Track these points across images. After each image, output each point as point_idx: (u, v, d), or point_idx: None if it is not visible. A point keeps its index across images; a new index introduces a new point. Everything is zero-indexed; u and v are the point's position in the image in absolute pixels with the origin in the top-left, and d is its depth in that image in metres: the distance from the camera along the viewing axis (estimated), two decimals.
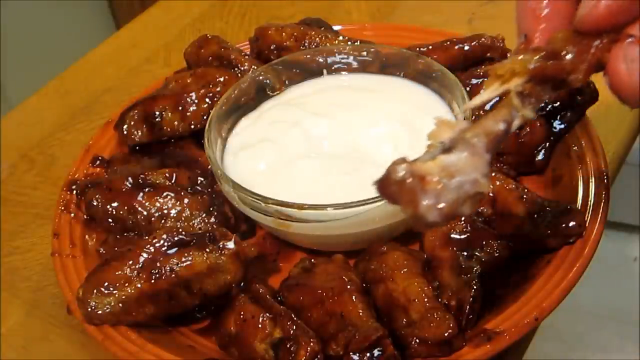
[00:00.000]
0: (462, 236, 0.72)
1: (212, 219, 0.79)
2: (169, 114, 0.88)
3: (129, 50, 1.23)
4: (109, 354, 0.70)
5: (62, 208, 0.83)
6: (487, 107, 0.58)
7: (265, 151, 0.82)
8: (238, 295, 0.70)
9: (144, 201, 0.79)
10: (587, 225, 0.71)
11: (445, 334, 0.63)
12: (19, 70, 2.06)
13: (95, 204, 0.81)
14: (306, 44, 0.95)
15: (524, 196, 0.73)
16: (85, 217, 0.83)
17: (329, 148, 0.81)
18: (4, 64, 2.06)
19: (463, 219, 0.73)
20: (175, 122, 0.88)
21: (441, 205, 0.49)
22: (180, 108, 0.88)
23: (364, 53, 0.91)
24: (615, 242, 2.09)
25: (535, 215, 0.71)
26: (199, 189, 0.81)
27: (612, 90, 0.53)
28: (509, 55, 0.54)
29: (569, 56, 0.52)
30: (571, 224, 0.70)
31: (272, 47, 0.97)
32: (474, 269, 0.69)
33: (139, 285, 0.69)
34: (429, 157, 0.51)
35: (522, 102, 0.52)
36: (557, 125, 0.82)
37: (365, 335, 0.62)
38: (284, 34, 0.96)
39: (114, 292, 0.69)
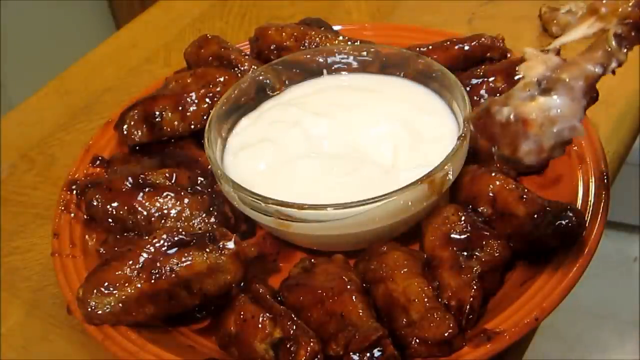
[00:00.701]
0: (462, 236, 0.72)
1: (212, 219, 0.79)
2: (169, 114, 0.88)
3: (129, 50, 1.23)
4: (109, 354, 0.70)
5: (62, 208, 0.83)
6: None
7: (265, 151, 0.82)
8: (238, 295, 0.70)
9: (144, 201, 0.79)
10: (587, 225, 0.71)
11: (445, 334, 0.63)
12: (19, 70, 2.06)
13: (95, 204, 0.81)
14: (306, 44, 0.95)
15: (524, 196, 0.73)
16: (85, 217, 0.83)
17: (329, 148, 0.81)
18: (4, 64, 2.05)
19: (463, 219, 0.73)
20: (175, 122, 0.88)
21: (540, 151, 0.50)
22: (180, 108, 0.88)
23: (364, 53, 0.91)
24: (615, 242, 2.09)
25: (535, 215, 0.71)
26: (199, 189, 0.81)
27: None
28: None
29: None
30: (571, 224, 0.70)
31: (272, 47, 0.97)
32: (474, 269, 0.69)
33: (139, 285, 0.69)
34: (527, 96, 0.51)
35: (619, 44, 0.51)
36: None
37: (365, 335, 0.62)
38: (284, 34, 0.96)
39: (114, 292, 0.69)
